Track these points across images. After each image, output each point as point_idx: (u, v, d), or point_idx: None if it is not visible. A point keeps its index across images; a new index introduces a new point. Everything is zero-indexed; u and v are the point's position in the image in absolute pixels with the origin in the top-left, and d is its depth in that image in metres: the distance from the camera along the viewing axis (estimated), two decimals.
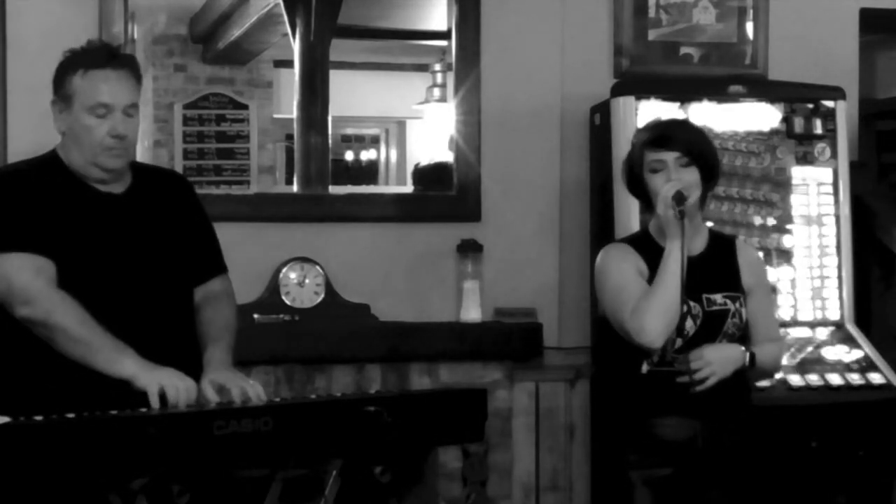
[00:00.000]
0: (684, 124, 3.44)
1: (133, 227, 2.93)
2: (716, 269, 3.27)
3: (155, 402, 2.66)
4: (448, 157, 4.74)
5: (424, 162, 5.72)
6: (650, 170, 3.20)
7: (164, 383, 2.68)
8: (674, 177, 3.15)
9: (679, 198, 3.12)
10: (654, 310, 3.10)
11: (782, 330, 3.89)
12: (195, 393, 2.73)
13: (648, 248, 3.24)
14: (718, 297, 3.21)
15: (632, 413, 3.23)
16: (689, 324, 3.15)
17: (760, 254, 3.99)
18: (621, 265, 3.24)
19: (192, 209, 3.10)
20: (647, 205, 3.27)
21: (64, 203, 2.86)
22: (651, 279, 3.17)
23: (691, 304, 3.15)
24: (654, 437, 3.18)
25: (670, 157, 3.17)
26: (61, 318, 2.74)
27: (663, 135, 3.22)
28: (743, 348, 3.23)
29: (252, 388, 2.80)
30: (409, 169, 7.32)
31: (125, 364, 2.72)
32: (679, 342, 3.15)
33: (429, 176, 5.25)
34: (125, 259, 2.88)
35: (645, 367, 3.18)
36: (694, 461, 3.18)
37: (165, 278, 2.94)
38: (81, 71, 2.86)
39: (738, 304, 3.23)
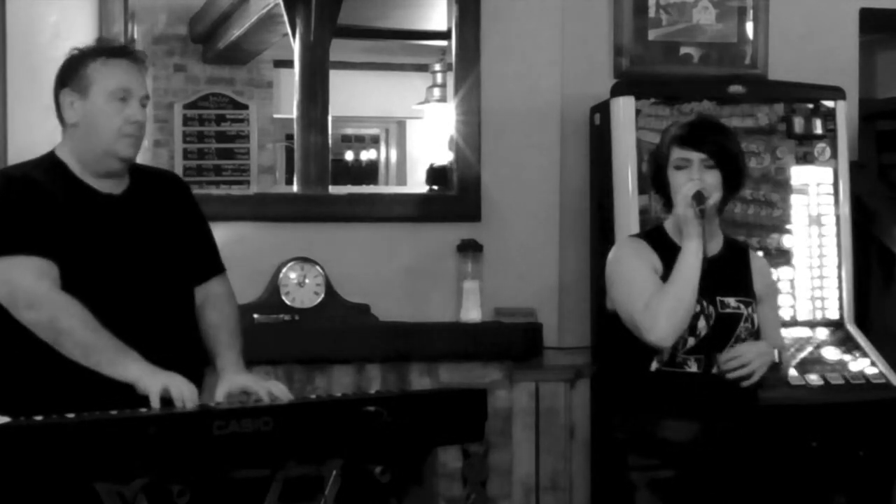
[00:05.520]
0: (717, 126, 3.34)
1: (132, 228, 2.94)
2: (730, 273, 3.25)
3: (156, 402, 2.65)
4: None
5: (439, 162, 5.68)
6: (675, 166, 3.19)
7: (167, 385, 2.67)
8: (696, 176, 3.14)
9: (699, 198, 3.11)
10: (667, 307, 3.07)
11: (782, 330, 3.88)
12: (197, 399, 2.72)
13: (663, 244, 3.22)
14: (732, 301, 3.19)
15: (635, 413, 3.21)
16: (701, 323, 3.12)
17: (760, 253, 3.99)
18: (636, 259, 3.21)
19: (189, 210, 3.12)
20: (666, 200, 3.26)
21: (64, 205, 2.86)
22: (665, 276, 3.14)
23: (704, 303, 3.13)
24: (657, 439, 3.16)
25: (696, 157, 3.16)
26: (66, 321, 2.73)
27: (694, 134, 3.20)
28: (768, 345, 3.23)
29: (276, 388, 2.86)
30: (410, 169, 7.32)
31: (129, 368, 2.71)
32: (691, 342, 3.13)
33: (444, 176, 5.23)
34: (125, 260, 2.89)
35: (654, 366, 3.15)
36: (697, 463, 3.16)
37: (165, 279, 2.95)
38: (102, 59, 2.90)
39: (750, 310, 3.21)
